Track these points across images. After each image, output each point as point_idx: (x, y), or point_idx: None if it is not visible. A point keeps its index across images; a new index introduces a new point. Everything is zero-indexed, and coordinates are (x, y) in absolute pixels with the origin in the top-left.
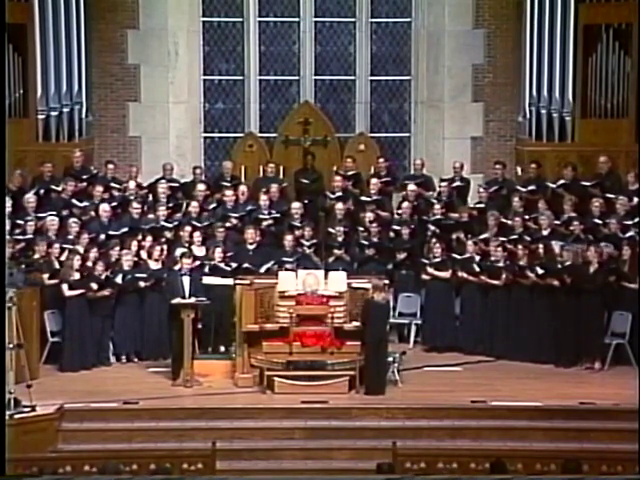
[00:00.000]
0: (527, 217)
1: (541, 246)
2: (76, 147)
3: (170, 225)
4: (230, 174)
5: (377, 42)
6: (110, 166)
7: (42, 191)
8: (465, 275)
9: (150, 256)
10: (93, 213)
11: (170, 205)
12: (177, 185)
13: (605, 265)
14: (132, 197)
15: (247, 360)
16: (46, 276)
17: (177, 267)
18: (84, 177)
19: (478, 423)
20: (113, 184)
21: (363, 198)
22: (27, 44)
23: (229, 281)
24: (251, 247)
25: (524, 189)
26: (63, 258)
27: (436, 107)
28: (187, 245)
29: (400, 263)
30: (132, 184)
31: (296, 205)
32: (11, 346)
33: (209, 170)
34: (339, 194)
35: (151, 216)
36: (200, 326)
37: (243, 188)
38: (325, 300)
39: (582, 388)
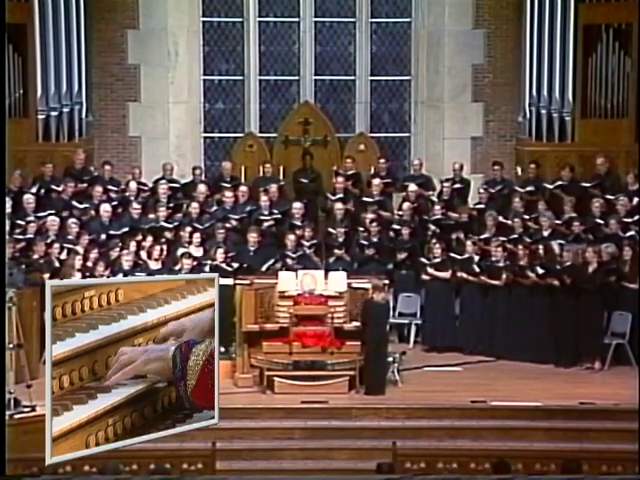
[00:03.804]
0: (527, 217)
1: (541, 246)
2: (76, 147)
3: (170, 225)
4: (229, 175)
5: (377, 42)
6: (107, 167)
7: (42, 191)
8: (465, 275)
9: (150, 256)
10: (93, 213)
11: (170, 205)
12: (177, 186)
13: (605, 265)
14: (132, 197)
15: (247, 360)
16: (46, 276)
17: (177, 267)
18: (84, 178)
19: (478, 423)
20: (110, 186)
21: (364, 198)
22: (27, 44)
23: (229, 281)
24: (252, 248)
25: (523, 189)
26: (63, 258)
27: (436, 107)
28: (187, 245)
29: (400, 263)
30: (133, 185)
31: (297, 205)
32: (11, 346)
33: (209, 170)
34: (340, 195)
35: (151, 216)
36: None
37: (244, 189)
38: (325, 300)
39: (582, 388)
